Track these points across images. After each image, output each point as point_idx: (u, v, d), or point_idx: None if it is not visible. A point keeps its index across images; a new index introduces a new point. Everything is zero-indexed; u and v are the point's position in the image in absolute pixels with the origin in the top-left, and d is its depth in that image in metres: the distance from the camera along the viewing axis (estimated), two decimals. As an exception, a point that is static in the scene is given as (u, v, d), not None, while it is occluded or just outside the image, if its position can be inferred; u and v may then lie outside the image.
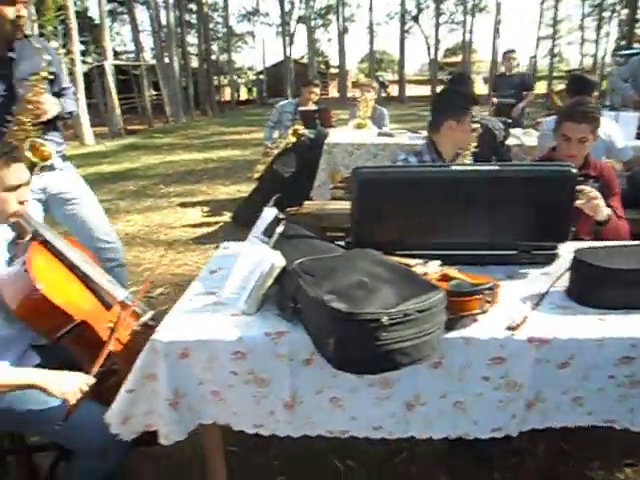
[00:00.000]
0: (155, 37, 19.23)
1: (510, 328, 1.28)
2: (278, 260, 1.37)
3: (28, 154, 2.21)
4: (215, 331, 1.29)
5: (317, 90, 5.14)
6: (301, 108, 4.98)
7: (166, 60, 18.85)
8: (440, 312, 1.16)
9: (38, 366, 1.61)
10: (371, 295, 1.13)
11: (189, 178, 7.28)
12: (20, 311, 1.56)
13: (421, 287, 1.17)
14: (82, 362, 1.70)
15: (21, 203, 1.59)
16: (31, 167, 2.21)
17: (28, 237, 1.69)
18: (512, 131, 4.53)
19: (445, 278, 1.37)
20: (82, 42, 20.29)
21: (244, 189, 6.18)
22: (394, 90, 28.89)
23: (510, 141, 4.19)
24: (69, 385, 1.47)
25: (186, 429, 1.35)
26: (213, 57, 26.32)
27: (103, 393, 1.62)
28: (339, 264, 1.29)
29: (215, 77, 25.98)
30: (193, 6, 24.98)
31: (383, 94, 24.36)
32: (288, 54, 28.10)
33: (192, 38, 25.52)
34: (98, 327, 1.66)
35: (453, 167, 1.63)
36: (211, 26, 27.38)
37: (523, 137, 4.48)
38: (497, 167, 1.65)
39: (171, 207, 5.76)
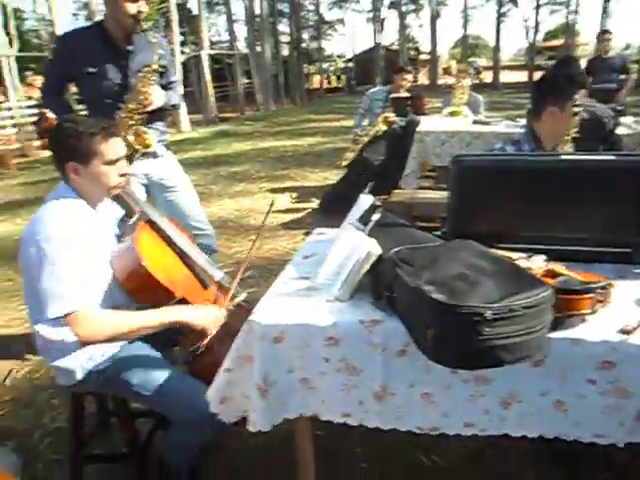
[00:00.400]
0: (248, 27, 19.73)
1: (624, 332, 1.19)
2: (374, 247, 1.35)
3: (131, 140, 2.34)
4: (309, 315, 1.30)
5: (409, 77, 5.03)
6: (393, 95, 4.89)
7: (258, 49, 19.30)
8: (547, 310, 1.09)
9: (140, 340, 1.72)
10: (472, 288, 1.09)
11: (278, 165, 7.43)
12: (126, 284, 1.67)
13: (527, 282, 1.11)
14: (179, 337, 1.80)
15: (121, 176, 1.67)
16: (133, 153, 2.35)
17: (136, 216, 1.80)
18: (622, 119, 4.18)
19: (551, 274, 1.29)
20: (180, 33, 21.25)
21: (332, 177, 6.21)
22: (487, 76, 27.68)
23: (620, 130, 3.87)
24: (210, 317, 1.64)
25: (271, 421, 1.35)
26: (303, 45, 26.57)
27: (199, 371, 1.71)
28: (440, 254, 1.26)
29: (305, 65, 26.25)
30: (286, -5, 25.32)
31: (475, 80, 23.46)
32: (378, 41, 27.76)
33: (284, 27, 25.95)
34: (197, 302, 1.74)
35: (562, 156, 1.53)
36: (302, 14, 27.60)
37: (635, 125, 4.12)
38: (611, 157, 1.53)
39: (261, 192, 5.91)
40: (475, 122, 4.51)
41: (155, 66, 2.35)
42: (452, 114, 4.84)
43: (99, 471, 1.99)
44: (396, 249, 1.29)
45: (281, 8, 25.63)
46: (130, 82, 2.38)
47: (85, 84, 2.44)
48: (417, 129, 4.36)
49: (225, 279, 1.89)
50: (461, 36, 29.75)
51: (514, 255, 1.36)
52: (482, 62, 34.46)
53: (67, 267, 1.49)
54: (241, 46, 22.94)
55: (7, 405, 2.48)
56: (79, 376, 1.65)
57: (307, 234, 4.57)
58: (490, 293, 1.07)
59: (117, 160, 1.64)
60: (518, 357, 1.05)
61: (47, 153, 12.47)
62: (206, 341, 1.65)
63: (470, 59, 30.19)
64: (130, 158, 2.29)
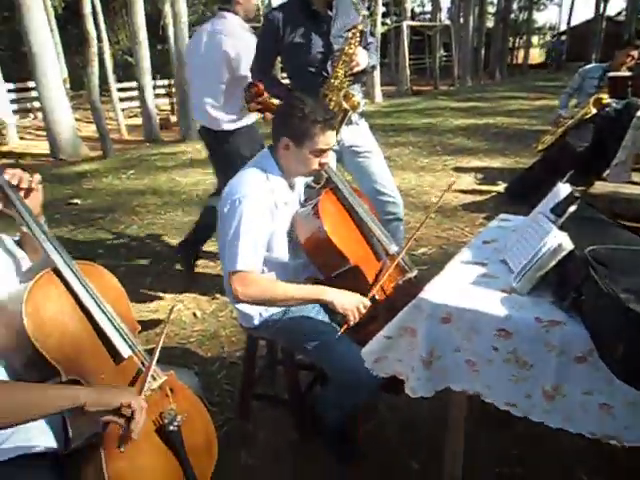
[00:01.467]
0: (454, -3, 18.98)
1: None
2: (566, 242, 1.23)
3: (342, 102, 2.36)
4: (481, 303, 1.24)
5: (636, 53, 4.37)
6: (611, 74, 4.31)
7: (461, 20, 18.50)
8: None
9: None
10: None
11: (466, 143, 7.14)
12: (306, 246, 1.77)
13: None
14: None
15: (320, 165, 1.73)
16: (343, 115, 2.40)
17: (322, 183, 1.89)
18: None
19: None
20: (384, 4, 21.29)
21: (524, 160, 5.78)
22: None
23: None
24: (351, 302, 1.64)
25: (434, 388, 1.36)
26: (512, 16, 24.72)
27: (363, 337, 1.76)
28: (645, 260, 1.09)
29: (510, 38, 24.48)
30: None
31: None
32: (601, 11, 24.58)
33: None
34: (368, 273, 1.78)
35: None
36: (515, -18, 25.58)
37: None
38: None
39: (445, 170, 5.75)
40: None
41: (361, 27, 2.34)
42: (685, 99, 4.10)
43: (262, 409, 2.19)
44: (592, 247, 1.16)
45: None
46: (332, 48, 2.44)
47: (289, 55, 2.55)
48: (637, 114, 3.80)
49: (398, 252, 1.89)
50: None
51: None
52: None
53: (249, 229, 1.63)
54: (444, 17, 22.22)
55: (195, 334, 2.85)
56: (256, 322, 1.82)
57: (487, 218, 4.35)
58: None
59: (326, 150, 1.71)
60: None
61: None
62: (344, 328, 1.66)
63: None
64: (342, 120, 2.36)
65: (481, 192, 4.95)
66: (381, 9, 14.92)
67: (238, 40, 2.90)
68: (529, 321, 1.17)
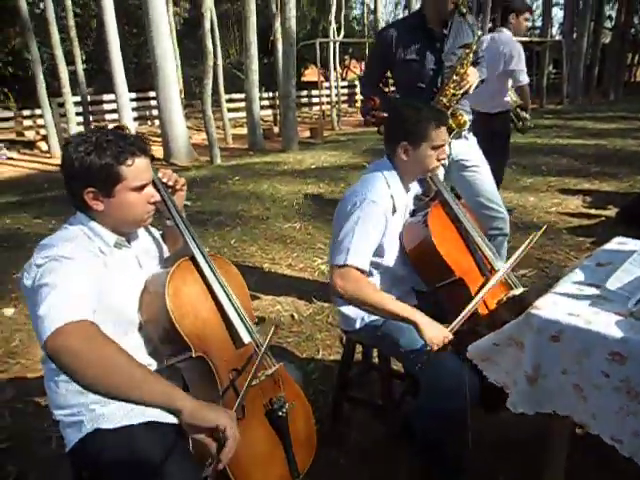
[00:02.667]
0: (567, 11, 18.13)
1: None
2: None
3: (449, 120, 2.44)
4: (594, 324, 1.23)
5: None
6: None
7: (574, 36, 17.63)
8: None
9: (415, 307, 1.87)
10: None
11: (575, 164, 6.80)
12: (412, 255, 1.83)
13: None
14: (450, 315, 1.88)
15: (438, 160, 1.81)
16: (449, 132, 2.45)
17: (432, 195, 1.95)
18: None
19: None
20: (490, 19, 20.74)
21: (638, 184, 5.43)
22: None
23: None
24: (437, 335, 1.64)
25: (537, 407, 1.35)
26: (632, 31, 23.13)
27: (460, 350, 1.78)
28: None
29: (629, 54, 22.92)
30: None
31: None
32: None
33: (610, 10, 23.05)
34: (472, 287, 1.80)
35: None
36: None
37: None
38: None
39: (550, 191, 5.53)
40: None
41: (474, 46, 2.39)
42: None
43: (354, 411, 2.26)
44: None
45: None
46: (443, 65, 2.49)
47: (401, 70, 2.63)
48: None
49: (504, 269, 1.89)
50: None
51: None
52: None
53: (365, 230, 1.72)
54: (555, 32, 21.29)
55: (292, 335, 2.98)
56: (357, 325, 1.90)
57: (595, 243, 4.12)
58: None
59: (442, 146, 1.79)
60: None
61: (350, 129, 13.85)
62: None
63: None
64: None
65: (589, 216, 4.71)
66: (488, 25, 14.61)
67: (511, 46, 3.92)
68: (647, 346, 1.15)
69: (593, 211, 4.83)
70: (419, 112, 1.77)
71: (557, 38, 18.83)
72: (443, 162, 2.62)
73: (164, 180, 1.53)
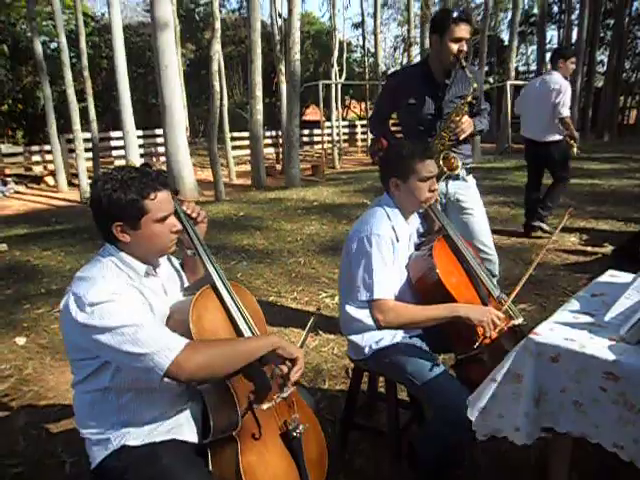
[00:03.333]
0: (561, 56, 18.75)
1: None
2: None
3: (440, 163, 2.61)
4: (589, 347, 1.33)
5: None
6: None
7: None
8: None
9: (417, 336, 1.97)
10: None
11: (571, 203, 6.96)
12: (418, 286, 1.95)
13: None
14: (454, 343, 1.98)
15: (431, 191, 1.95)
16: (439, 175, 2.62)
17: (436, 230, 2.08)
18: None
19: None
20: (488, 63, 21.47)
21: (634, 224, 5.57)
22: None
23: None
24: (485, 315, 1.78)
25: (537, 429, 1.42)
26: (624, 76, 23.88)
27: (465, 377, 1.87)
28: None
29: (621, 98, 23.57)
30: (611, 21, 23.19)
31: None
32: None
33: (602, 55, 23.85)
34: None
35: None
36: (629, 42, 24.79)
37: None
38: None
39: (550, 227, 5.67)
40: None
41: (469, 98, 2.59)
42: None
43: (360, 439, 2.32)
44: None
45: (603, 35, 23.59)
46: (443, 111, 2.68)
47: (404, 113, 2.84)
48: None
49: (503, 297, 2.00)
50: None
51: None
52: None
53: (379, 263, 1.84)
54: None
55: (299, 366, 3.05)
56: (366, 352, 1.99)
57: (592, 279, 4.20)
58: None
59: (430, 177, 1.93)
60: None
61: (351, 167, 14.11)
62: (479, 342, 1.78)
63: None
64: (437, 178, 2.59)
65: (585, 253, 4.83)
66: (484, 69, 15.13)
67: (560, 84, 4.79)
68: (638, 367, 1.25)
69: (589, 248, 4.96)
70: (403, 149, 1.94)
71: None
72: (441, 201, 2.78)
73: (188, 212, 1.65)
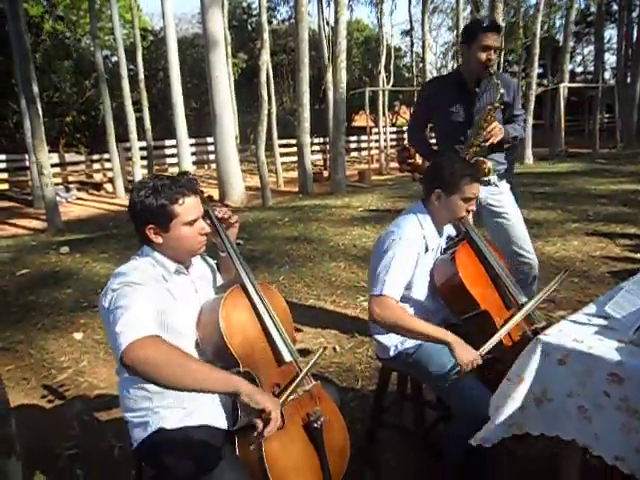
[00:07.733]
0: (619, 56, 18.06)
1: None
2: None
3: None
4: (595, 348, 1.37)
5: None
6: None
7: (628, 80, 17.49)
8: None
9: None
10: None
11: (624, 209, 6.75)
12: (441, 289, 2.02)
13: None
14: (476, 344, 2.03)
15: (468, 212, 2.01)
16: None
17: (461, 235, 2.14)
18: None
19: None
20: (542, 65, 20.93)
21: (689, 231, 5.37)
22: None
23: None
24: (467, 356, 1.80)
25: (543, 430, 1.46)
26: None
27: (487, 378, 1.92)
28: None
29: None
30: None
31: None
32: None
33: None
34: (496, 319, 1.96)
35: None
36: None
37: None
38: None
39: (595, 235, 5.53)
40: None
41: (497, 104, 2.63)
42: None
43: (387, 436, 2.40)
44: None
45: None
46: (474, 119, 2.73)
47: (438, 120, 2.92)
48: None
49: (526, 303, 2.03)
50: None
51: None
52: None
53: (398, 264, 1.92)
54: (608, 77, 21.15)
55: (334, 366, 3.16)
56: (391, 353, 2.07)
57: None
58: None
59: (472, 199, 1.99)
60: None
61: (398, 174, 14.08)
62: (456, 373, 1.82)
63: None
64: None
65: (634, 260, 4.70)
66: (537, 71, 14.77)
67: None
68: (641, 369, 1.28)
69: (638, 255, 4.82)
70: (457, 167, 1.98)
71: (610, 83, 18.69)
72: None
73: (219, 215, 1.79)
